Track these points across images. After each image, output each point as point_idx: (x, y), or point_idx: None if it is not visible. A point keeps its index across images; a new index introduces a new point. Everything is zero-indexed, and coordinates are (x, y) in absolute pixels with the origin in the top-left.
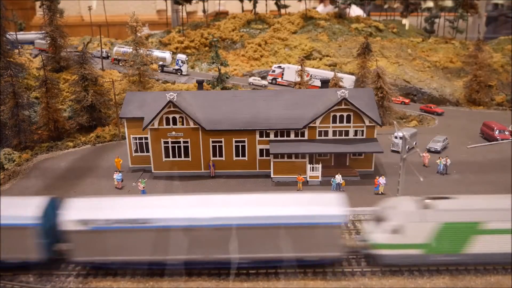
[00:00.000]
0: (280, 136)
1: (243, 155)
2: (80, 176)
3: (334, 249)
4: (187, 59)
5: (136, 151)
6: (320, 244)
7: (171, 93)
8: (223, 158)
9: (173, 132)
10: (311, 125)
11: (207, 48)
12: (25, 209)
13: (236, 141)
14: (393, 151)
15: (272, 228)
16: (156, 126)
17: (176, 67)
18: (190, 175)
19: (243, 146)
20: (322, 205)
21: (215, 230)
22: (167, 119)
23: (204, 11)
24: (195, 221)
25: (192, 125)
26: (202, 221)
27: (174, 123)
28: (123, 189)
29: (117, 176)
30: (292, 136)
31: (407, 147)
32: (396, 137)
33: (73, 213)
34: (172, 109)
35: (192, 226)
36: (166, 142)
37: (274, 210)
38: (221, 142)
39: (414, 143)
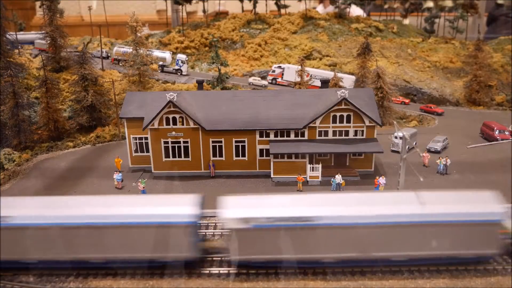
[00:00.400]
0: (280, 136)
1: (243, 155)
2: (80, 176)
3: (492, 247)
4: (187, 59)
5: (136, 151)
6: (479, 241)
7: (171, 93)
8: (223, 158)
9: (173, 132)
10: (311, 125)
11: (207, 48)
12: (188, 207)
13: (236, 141)
14: (393, 151)
15: (433, 225)
16: (156, 126)
17: (176, 67)
18: (190, 175)
19: (243, 146)
20: (480, 203)
21: (377, 228)
22: (167, 119)
23: (204, 11)
24: (359, 219)
25: (192, 125)
26: (366, 219)
27: (174, 123)
28: (123, 189)
29: (117, 176)
30: (292, 136)
31: (407, 147)
32: (396, 137)
33: (234, 211)
34: (172, 109)
35: (355, 224)
36: (166, 142)
37: (437, 208)
38: (221, 142)
39: (414, 143)
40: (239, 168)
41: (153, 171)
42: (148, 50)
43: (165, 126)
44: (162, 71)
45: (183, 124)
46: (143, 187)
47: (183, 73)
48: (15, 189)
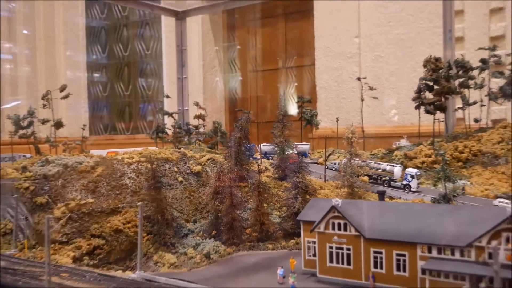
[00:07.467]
0: (444, 254)
1: (404, 270)
2: (258, 270)
3: None
4: (418, 173)
5: (309, 254)
6: None
7: (336, 199)
8: (383, 271)
9: (335, 237)
10: (478, 244)
11: (460, 164)
12: None
13: (396, 254)
14: None
15: None
16: (322, 229)
17: (405, 182)
18: (351, 285)
19: (404, 260)
20: None
21: None
22: (333, 223)
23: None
24: None
25: (353, 232)
26: None
27: (339, 228)
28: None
29: (279, 271)
30: (457, 256)
31: None
32: None
33: None
34: (336, 214)
35: None
36: (331, 247)
37: None
38: (381, 253)
39: None
40: (399, 284)
41: (318, 274)
42: (375, 163)
43: (330, 231)
44: (389, 185)
45: (345, 230)
46: (293, 282)
47: (411, 189)
48: (206, 271)
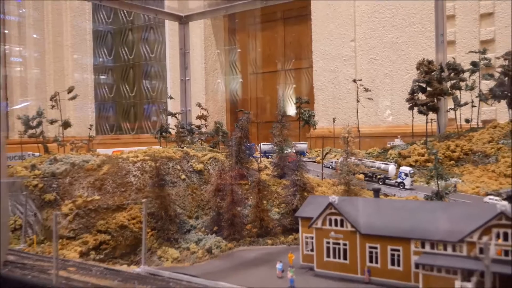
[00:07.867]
0: (437, 249)
1: (398, 265)
2: (258, 265)
3: None
4: (412, 172)
5: (307, 249)
6: None
7: (333, 196)
8: (378, 265)
9: (332, 233)
10: (469, 240)
11: (452, 162)
12: None
13: (391, 249)
14: None
15: None
16: (319, 225)
17: (399, 180)
18: (347, 278)
19: (398, 255)
20: None
21: None
22: (330, 220)
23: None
24: None
25: (350, 227)
26: None
27: (336, 224)
28: (282, 278)
29: (278, 266)
30: (449, 251)
31: None
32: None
33: None
34: (333, 210)
35: None
36: (328, 242)
37: None
38: (376, 248)
39: None
40: (393, 278)
41: (315, 269)
42: (371, 161)
43: (327, 227)
44: (384, 183)
45: (342, 226)
46: (291, 276)
47: (405, 187)
48: (208, 265)
